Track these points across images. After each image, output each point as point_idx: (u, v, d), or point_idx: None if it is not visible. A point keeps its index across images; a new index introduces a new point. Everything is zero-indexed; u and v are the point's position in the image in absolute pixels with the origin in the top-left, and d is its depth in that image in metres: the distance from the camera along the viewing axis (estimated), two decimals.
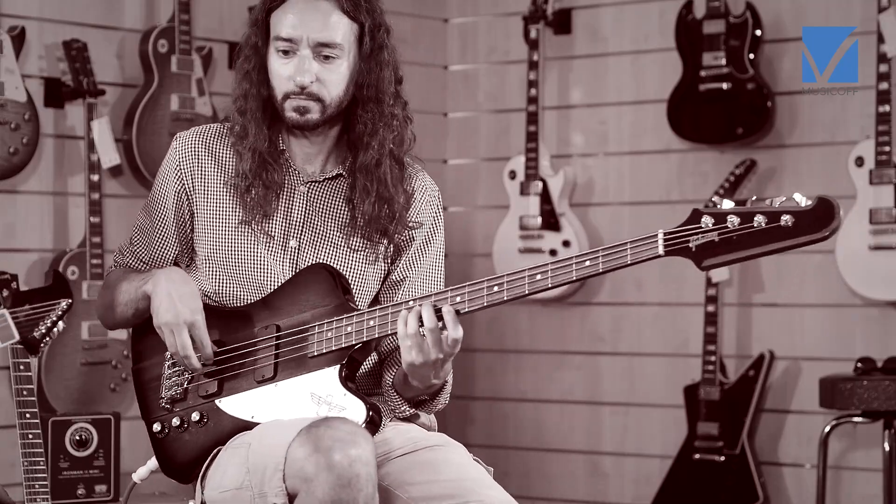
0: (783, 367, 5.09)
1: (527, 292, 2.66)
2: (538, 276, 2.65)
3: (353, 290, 2.93)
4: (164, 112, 4.78)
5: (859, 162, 4.82)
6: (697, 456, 5.04)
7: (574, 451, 5.47)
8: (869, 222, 4.78)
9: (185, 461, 2.90)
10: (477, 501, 2.73)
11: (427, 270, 3.01)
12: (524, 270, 2.66)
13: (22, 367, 3.66)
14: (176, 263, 3.04)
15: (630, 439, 5.39)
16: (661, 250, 2.54)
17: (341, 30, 2.89)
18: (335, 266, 2.92)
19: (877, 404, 4.51)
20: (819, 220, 2.44)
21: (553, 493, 5.49)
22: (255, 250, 2.94)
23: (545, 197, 5.32)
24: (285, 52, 2.89)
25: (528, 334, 5.54)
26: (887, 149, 4.75)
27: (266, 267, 2.93)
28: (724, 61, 5.02)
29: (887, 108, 4.75)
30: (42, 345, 3.00)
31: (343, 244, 2.96)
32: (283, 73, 2.90)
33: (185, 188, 2.98)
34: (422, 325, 2.71)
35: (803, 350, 5.07)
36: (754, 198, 2.52)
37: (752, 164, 5.06)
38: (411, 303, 2.74)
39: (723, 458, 4.99)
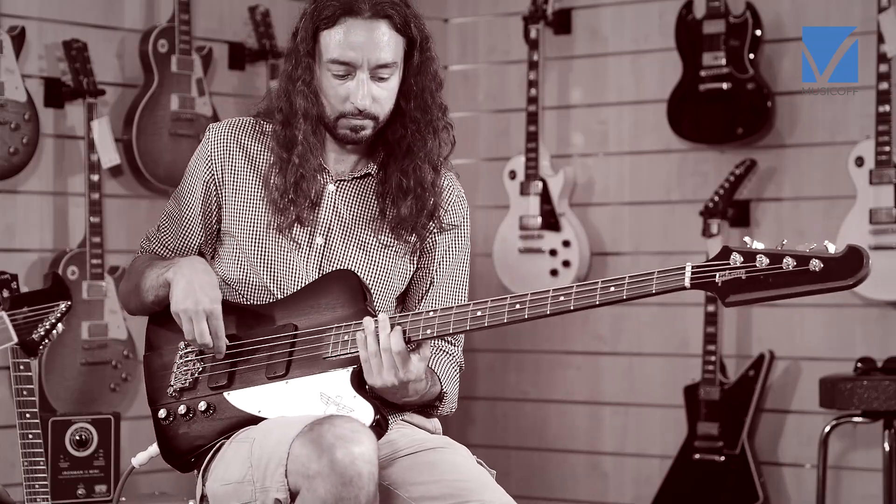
0: (783, 367, 5.09)
1: (549, 312, 2.68)
2: (561, 298, 2.67)
3: (380, 287, 2.95)
4: (165, 112, 4.78)
5: (859, 162, 4.82)
6: (697, 456, 5.03)
7: (574, 451, 5.47)
8: (869, 222, 4.78)
9: (187, 449, 2.91)
10: (477, 502, 2.74)
11: (451, 275, 3.05)
12: (548, 291, 2.68)
13: (22, 368, 3.66)
14: (200, 252, 3.06)
15: (630, 439, 5.38)
16: (687, 283, 2.57)
17: (396, 48, 2.88)
18: (363, 262, 2.94)
19: (877, 404, 4.51)
20: (847, 268, 2.46)
21: (553, 493, 5.49)
22: (283, 247, 2.95)
23: (545, 197, 5.32)
24: (342, 75, 2.87)
25: (528, 334, 5.54)
26: (887, 149, 4.75)
27: (292, 264, 2.94)
28: (724, 61, 5.02)
29: (887, 108, 4.75)
30: (41, 347, 3.01)
31: (371, 241, 2.97)
32: (340, 93, 2.88)
33: (214, 179, 3.00)
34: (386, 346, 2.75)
35: (803, 350, 5.07)
36: (785, 241, 2.54)
37: (752, 164, 5.06)
38: (399, 318, 2.76)
39: (723, 458, 4.99)
